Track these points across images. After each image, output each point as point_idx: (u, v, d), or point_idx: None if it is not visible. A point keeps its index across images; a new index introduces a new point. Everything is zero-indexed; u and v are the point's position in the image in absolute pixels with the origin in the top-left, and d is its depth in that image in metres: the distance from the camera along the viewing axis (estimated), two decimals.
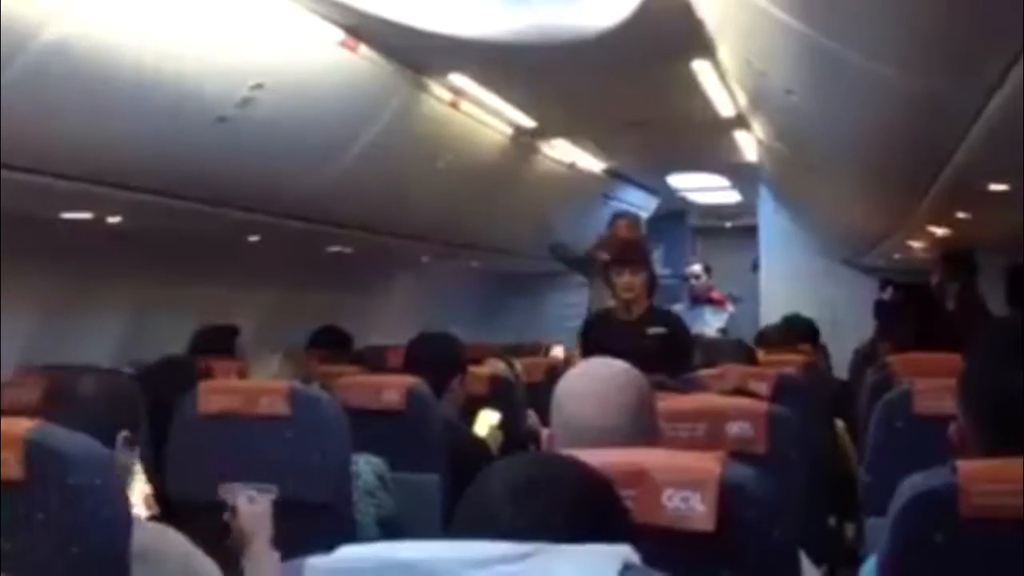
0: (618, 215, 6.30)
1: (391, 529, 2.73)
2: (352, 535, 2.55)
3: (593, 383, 1.80)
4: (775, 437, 2.22)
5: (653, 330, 4.17)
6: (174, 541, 1.83)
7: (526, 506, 1.04)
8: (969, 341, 1.82)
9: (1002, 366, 1.55)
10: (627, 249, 4.52)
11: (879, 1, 2.27)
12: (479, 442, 3.31)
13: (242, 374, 3.23)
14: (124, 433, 1.99)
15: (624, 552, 0.89)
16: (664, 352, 3.82)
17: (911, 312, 5.73)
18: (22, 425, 1.66)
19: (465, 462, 2.78)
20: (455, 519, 1.08)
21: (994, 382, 1.55)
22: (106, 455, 1.69)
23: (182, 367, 3.30)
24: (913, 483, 1.45)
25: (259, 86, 3.60)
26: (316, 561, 0.91)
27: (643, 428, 1.75)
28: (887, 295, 7.10)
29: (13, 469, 1.61)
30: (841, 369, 5.83)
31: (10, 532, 1.61)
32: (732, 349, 3.92)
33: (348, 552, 0.92)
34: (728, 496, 1.40)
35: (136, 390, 2.10)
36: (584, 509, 1.08)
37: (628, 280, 4.28)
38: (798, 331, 5.36)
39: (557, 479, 1.10)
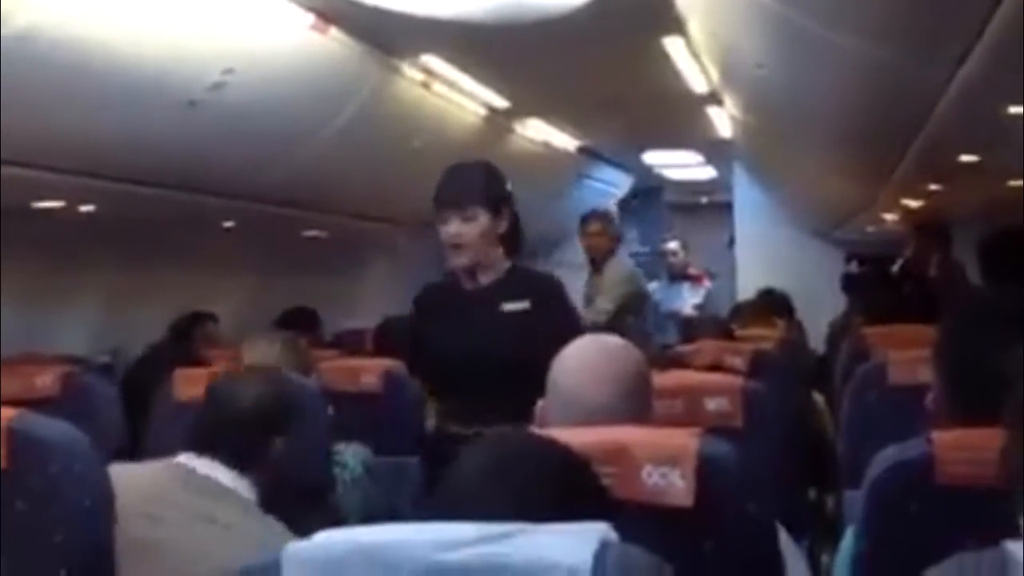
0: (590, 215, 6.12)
1: (379, 521, 2.73)
2: (335, 522, 2.55)
3: (587, 358, 1.79)
4: (752, 412, 2.24)
5: (512, 305, 2.86)
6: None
7: (499, 487, 1.05)
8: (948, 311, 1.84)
9: (975, 336, 1.57)
10: (451, 182, 2.91)
11: None
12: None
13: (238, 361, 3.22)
14: None
15: (601, 529, 0.90)
16: (529, 335, 2.69)
17: (877, 284, 5.77)
18: (5, 414, 1.65)
19: (446, 441, 2.80)
20: (433, 501, 1.08)
21: (968, 351, 1.57)
22: (88, 443, 1.68)
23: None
24: (888, 454, 1.47)
25: (230, 70, 3.57)
26: (293, 546, 0.92)
27: (637, 406, 1.74)
28: (854, 269, 7.14)
29: None
30: (818, 343, 5.87)
31: None
32: (709, 325, 3.93)
33: (325, 537, 0.92)
34: (706, 471, 1.42)
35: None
36: (558, 488, 1.09)
37: (457, 230, 2.84)
38: (773, 306, 5.39)
39: (529, 458, 1.11)
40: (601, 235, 5.99)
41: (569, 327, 2.65)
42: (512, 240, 2.94)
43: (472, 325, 2.87)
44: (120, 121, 3.50)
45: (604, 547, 0.88)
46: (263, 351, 2.83)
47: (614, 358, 1.79)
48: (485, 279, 2.91)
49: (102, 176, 3.87)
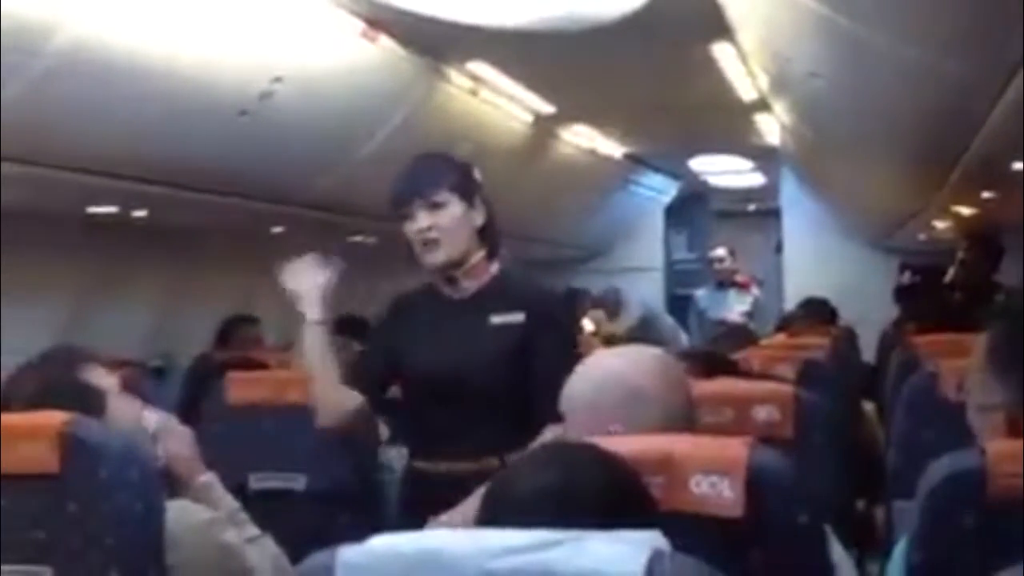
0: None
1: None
2: (379, 526, 2.57)
3: (614, 369, 1.72)
4: (802, 421, 2.21)
5: (502, 317, 2.37)
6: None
7: (550, 496, 1.04)
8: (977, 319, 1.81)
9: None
10: (411, 172, 2.44)
11: None
12: None
13: (284, 364, 3.24)
14: None
15: (653, 538, 0.90)
16: (522, 355, 2.32)
17: (931, 294, 5.70)
18: (58, 418, 1.68)
19: None
20: (482, 515, 1.08)
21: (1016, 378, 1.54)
22: (141, 449, 1.71)
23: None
24: (941, 465, 1.45)
25: (279, 79, 3.61)
26: (348, 551, 0.92)
27: (673, 417, 1.68)
28: (906, 279, 7.06)
29: (49, 461, 1.64)
30: (868, 351, 5.81)
31: (44, 523, 1.63)
32: (731, 336, 3.89)
33: (379, 542, 0.93)
34: (756, 481, 1.40)
35: None
36: (612, 506, 1.08)
37: (426, 222, 2.35)
38: (819, 314, 5.34)
39: (584, 484, 1.09)
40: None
41: (570, 349, 2.29)
42: (491, 239, 2.45)
43: (454, 340, 2.37)
44: (173, 129, 3.55)
45: (656, 556, 0.88)
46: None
47: (645, 368, 1.71)
48: (469, 285, 2.41)
49: (155, 182, 3.92)
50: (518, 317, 2.36)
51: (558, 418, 1.86)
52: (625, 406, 1.66)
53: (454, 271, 2.39)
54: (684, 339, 6.88)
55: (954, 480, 1.41)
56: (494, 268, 2.45)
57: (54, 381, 1.93)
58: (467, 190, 2.41)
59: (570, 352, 2.21)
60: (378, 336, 2.56)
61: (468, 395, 2.33)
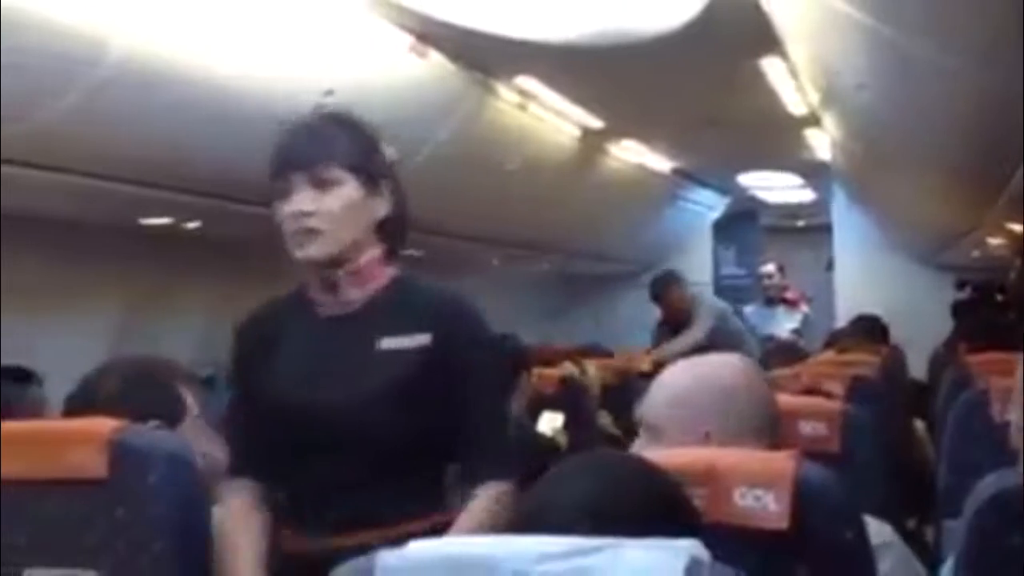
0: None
1: None
2: None
3: (707, 373, 1.70)
4: (849, 437, 2.20)
5: (397, 340, 1.78)
6: None
7: (595, 524, 1.04)
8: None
9: None
10: (298, 138, 1.85)
11: None
12: (547, 440, 3.33)
13: None
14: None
15: (692, 546, 0.90)
16: (427, 388, 1.74)
17: (984, 311, 5.62)
18: (107, 424, 1.71)
19: (532, 462, 2.79)
20: (521, 521, 1.08)
21: None
22: (189, 454, 1.73)
23: None
24: (988, 484, 1.43)
25: (331, 92, 3.64)
26: (387, 556, 0.93)
27: (762, 427, 1.67)
28: (965, 295, 6.97)
29: (97, 466, 1.66)
30: (919, 369, 5.74)
31: (92, 528, 1.65)
32: (780, 352, 3.87)
33: (419, 547, 0.94)
34: (801, 495, 1.39)
35: None
36: (653, 517, 1.08)
37: (306, 203, 1.79)
38: (869, 331, 5.29)
39: (625, 494, 1.09)
40: (683, 300, 5.93)
41: (497, 384, 1.82)
42: (396, 237, 1.84)
43: (330, 369, 1.76)
44: (224, 142, 3.60)
45: (694, 564, 0.88)
46: None
47: (723, 381, 1.69)
48: (355, 294, 1.80)
49: (207, 194, 3.98)
50: (421, 339, 1.74)
51: (493, 474, 1.68)
52: (718, 411, 1.65)
53: (334, 272, 1.78)
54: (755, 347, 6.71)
55: (1000, 499, 1.39)
56: (390, 273, 1.82)
57: (137, 383, 1.91)
58: (369, 169, 1.80)
59: (497, 391, 1.77)
60: (237, 372, 1.89)
61: (349, 445, 1.72)
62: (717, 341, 5.57)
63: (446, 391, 1.73)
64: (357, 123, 1.86)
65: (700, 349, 5.48)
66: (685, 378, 1.72)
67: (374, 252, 1.81)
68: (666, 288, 6.03)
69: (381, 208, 1.82)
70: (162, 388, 1.92)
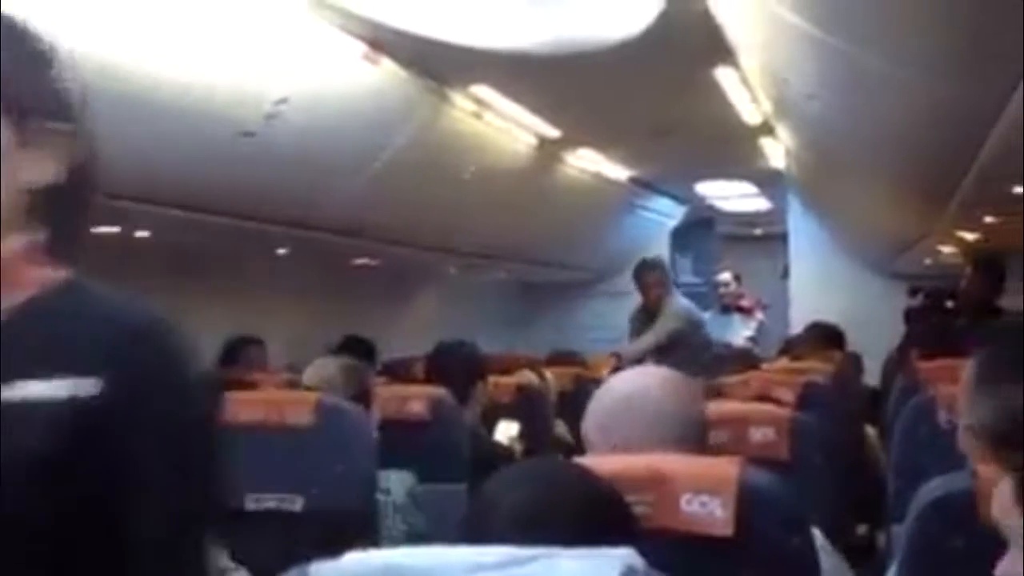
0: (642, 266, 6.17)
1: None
2: (376, 545, 2.56)
3: (634, 392, 1.74)
4: (798, 443, 2.21)
5: (43, 383, 1.01)
6: None
7: (532, 532, 1.04)
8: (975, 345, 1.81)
9: (1004, 382, 1.54)
10: None
11: (898, 6, 2.26)
12: (503, 449, 3.33)
13: (294, 384, 3.26)
14: None
15: (626, 554, 0.90)
16: (77, 462, 1.01)
17: (935, 317, 5.69)
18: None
19: (488, 470, 2.78)
20: (462, 532, 1.08)
21: (996, 399, 1.54)
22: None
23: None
24: (932, 487, 1.44)
25: (284, 100, 3.63)
26: (321, 566, 0.93)
27: (688, 436, 1.70)
28: (917, 302, 7.05)
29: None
30: (874, 376, 5.79)
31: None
32: (733, 359, 3.90)
33: (353, 557, 0.93)
34: (747, 501, 1.40)
35: None
36: (590, 527, 1.09)
37: None
38: (824, 338, 5.33)
39: (562, 502, 1.09)
40: (660, 285, 6.00)
41: (188, 471, 1.06)
42: (69, 218, 1.15)
43: None
44: (177, 150, 3.57)
45: (629, 572, 0.88)
46: (324, 375, 2.87)
47: (663, 390, 1.73)
48: None
49: (159, 203, 3.94)
50: (83, 386, 1.03)
51: None
52: (647, 422, 1.68)
53: None
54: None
55: (943, 502, 1.41)
56: (52, 276, 1.12)
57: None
58: (28, 104, 1.10)
59: (193, 497, 1.07)
60: None
61: None
62: (679, 347, 5.60)
63: (116, 481, 1.03)
64: (17, 29, 1.12)
65: (660, 350, 5.53)
66: (613, 392, 1.76)
67: (23, 239, 1.10)
68: (642, 271, 6.09)
69: (43, 168, 1.11)
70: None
